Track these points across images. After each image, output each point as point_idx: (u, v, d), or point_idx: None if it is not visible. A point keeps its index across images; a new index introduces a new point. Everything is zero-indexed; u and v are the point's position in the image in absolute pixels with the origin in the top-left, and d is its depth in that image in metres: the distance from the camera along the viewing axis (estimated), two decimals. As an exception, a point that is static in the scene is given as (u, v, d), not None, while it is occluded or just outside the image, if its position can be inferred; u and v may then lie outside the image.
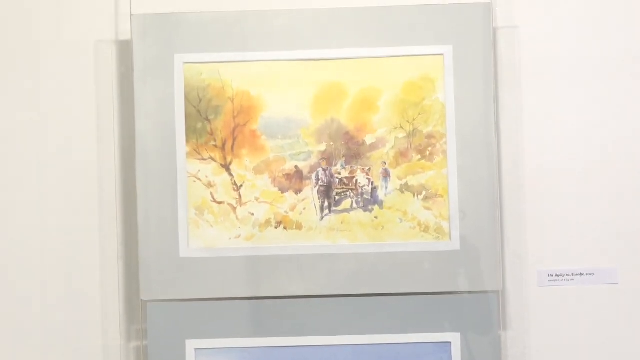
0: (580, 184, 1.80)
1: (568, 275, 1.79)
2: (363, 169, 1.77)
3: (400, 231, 1.76)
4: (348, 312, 1.75)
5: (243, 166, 1.78)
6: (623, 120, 1.80)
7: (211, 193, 1.78)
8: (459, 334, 1.75)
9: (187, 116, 1.78)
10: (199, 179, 1.78)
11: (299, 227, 1.77)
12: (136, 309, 1.78)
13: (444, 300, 1.75)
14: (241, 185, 1.78)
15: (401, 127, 1.77)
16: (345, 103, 1.78)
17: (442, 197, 1.76)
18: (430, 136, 1.77)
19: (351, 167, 1.78)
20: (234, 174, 1.78)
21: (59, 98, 1.82)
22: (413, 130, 1.77)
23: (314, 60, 1.77)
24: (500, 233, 1.77)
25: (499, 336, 1.75)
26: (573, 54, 1.81)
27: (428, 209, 1.76)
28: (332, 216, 1.77)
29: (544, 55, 1.81)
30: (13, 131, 1.82)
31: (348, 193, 1.78)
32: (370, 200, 1.77)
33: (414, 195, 1.77)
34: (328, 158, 1.78)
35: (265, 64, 1.77)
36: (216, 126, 1.78)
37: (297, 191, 1.78)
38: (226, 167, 1.78)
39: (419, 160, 1.77)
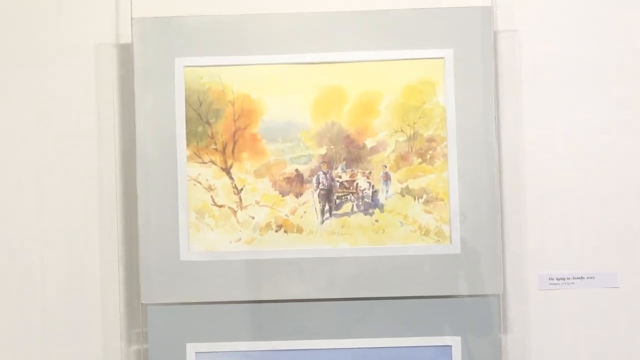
0: (581, 188, 1.80)
1: (569, 279, 1.79)
2: (364, 173, 1.77)
3: (401, 235, 1.76)
4: (348, 315, 1.75)
5: (243, 169, 1.78)
6: (623, 124, 1.80)
7: (212, 196, 1.77)
8: (460, 337, 1.75)
9: (188, 119, 1.77)
10: (199, 183, 1.78)
11: (299, 230, 1.77)
12: (137, 313, 1.78)
13: (445, 304, 1.75)
14: (242, 189, 1.78)
15: (402, 131, 1.77)
16: (345, 106, 1.77)
17: (443, 200, 1.76)
18: (430, 140, 1.77)
19: (352, 170, 1.78)
20: (234, 178, 1.78)
21: (60, 101, 1.82)
22: (413, 134, 1.77)
23: (315, 63, 1.77)
24: (501, 236, 1.77)
25: (500, 340, 1.75)
26: (573, 57, 1.81)
27: (429, 212, 1.76)
28: (333, 220, 1.77)
29: (544, 59, 1.81)
30: (14, 134, 1.82)
31: (349, 196, 1.77)
32: (371, 204, 1.77)
33: (414, 199, 1.77)
34: (329, 161, 1.78)
35: (266, 68, 1.77)
36: (217, 129, 1.78)
37: (298, 195, 1.77)
38: (227, 170, 1.78)
39: (420, 163, 1.77)
